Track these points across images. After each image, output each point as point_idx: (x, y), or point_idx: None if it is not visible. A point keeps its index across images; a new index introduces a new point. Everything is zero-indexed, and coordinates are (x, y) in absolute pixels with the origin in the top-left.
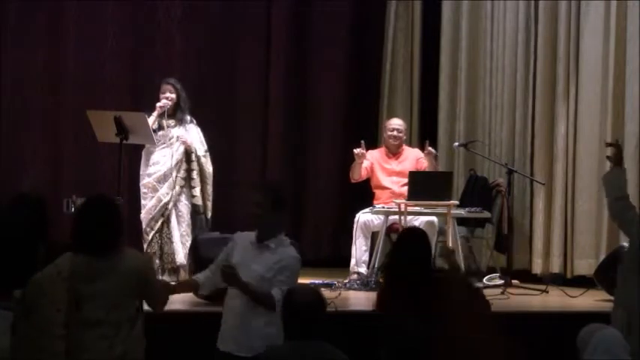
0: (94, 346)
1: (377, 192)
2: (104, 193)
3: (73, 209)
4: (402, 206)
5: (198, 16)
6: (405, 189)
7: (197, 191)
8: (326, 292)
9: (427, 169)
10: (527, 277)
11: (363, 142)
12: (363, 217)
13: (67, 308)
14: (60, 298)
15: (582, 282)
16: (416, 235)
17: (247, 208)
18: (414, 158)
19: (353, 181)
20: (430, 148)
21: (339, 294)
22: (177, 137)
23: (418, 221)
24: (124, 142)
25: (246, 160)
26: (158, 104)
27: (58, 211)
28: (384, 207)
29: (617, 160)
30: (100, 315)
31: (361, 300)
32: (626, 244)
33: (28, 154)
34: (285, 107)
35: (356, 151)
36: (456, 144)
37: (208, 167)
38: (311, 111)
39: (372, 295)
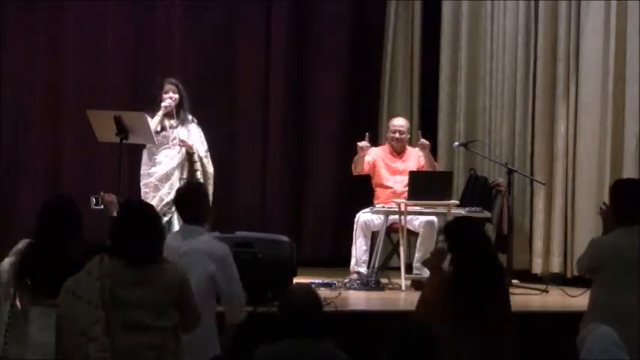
0: (139, 354)
1: (377, 190)
2: (148, 203)
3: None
4: (402, 206)
5: (198, 16)
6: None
7: None
8: (326, 292)
9: (424, 163)
10: (527, 276)
11: (367, 134)
12: (363, 216)
13: (103, 306)
14: (94, 296)
15: (582, 282)
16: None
17: (247, 208)
18: (416, 157)
19: (355, 174)
20: (423, 140)
21: (339, 294)
22: (175, 139)
23: (418, 221)
24: (124, 141)
25: (246, 160)
26: (163, 104)
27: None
28: (384, 207)
29: (607, 225)
30: (147, 320)
31: (361, 300)
32: None
33: (28, 154)
34: (285, 107)
35: (360, 143)
36: (456, 144)
37: (209, 167)
38: (311, 111)
39: (372, 295)
